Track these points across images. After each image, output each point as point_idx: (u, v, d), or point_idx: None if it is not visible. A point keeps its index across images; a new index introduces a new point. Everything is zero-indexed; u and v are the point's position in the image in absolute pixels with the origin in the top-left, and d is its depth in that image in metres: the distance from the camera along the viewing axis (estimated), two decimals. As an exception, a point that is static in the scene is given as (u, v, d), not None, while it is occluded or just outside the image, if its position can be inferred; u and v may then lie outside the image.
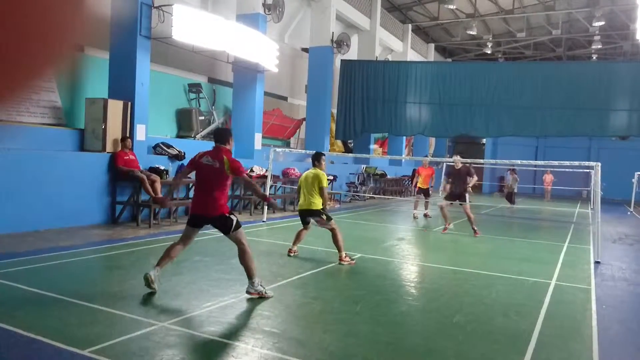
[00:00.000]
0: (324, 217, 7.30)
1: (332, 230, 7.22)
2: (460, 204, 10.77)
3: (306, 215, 7.47)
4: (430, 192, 14.56)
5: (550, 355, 4.00)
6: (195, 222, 5.19)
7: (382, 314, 4.87)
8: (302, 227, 7.63)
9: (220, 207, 5.02)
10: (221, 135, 5.21)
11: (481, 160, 17.51)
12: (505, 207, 18.92)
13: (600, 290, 6.33)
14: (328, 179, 16.39)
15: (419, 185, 14.43)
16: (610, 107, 16.22)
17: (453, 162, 11.34)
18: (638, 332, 4.91)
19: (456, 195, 10.87)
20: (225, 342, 3.87)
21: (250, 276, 5.06)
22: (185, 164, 11.11)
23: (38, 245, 7.16)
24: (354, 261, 7.19)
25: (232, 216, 5.08)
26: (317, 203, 7.29)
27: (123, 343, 3.74)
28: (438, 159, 19.19)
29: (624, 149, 28.01)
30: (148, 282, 5.02)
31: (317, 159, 7.53)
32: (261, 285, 5.08)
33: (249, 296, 5.10)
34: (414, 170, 23.43)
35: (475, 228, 10.59)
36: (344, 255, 7.14)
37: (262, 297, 5.09)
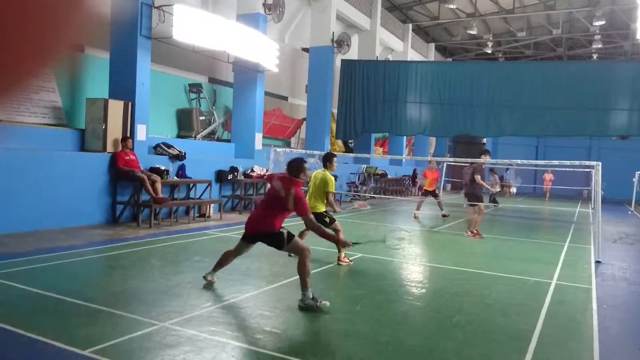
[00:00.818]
0: (327, 219, 7.21)
1: (336, 231, 7.17)
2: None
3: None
4: (437, 192, 14.59)
5: (550, 355, 4.00)
6: (248, 237, 5.29)
7: (383, 313, 4.87)
8: (304, 228, 7.59)
9: (270, 224, 5.05)
10: (293, 169, 5.16)
11: (481, 160, 17.50)
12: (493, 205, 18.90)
13: (601, 290, 6.32)
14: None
15: (425, 187, 14.42)
16: (610, 107, 16.21)
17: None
18: (639, 332, 4.91)
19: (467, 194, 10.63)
20: (225, 342, 3.87)
21: (303, 287, 4.88)
22: (185, 164, 11.21)
23: (39, 245, 7.16)
24: (352, 262, 7.18)
25: (282, 230, 5.06)
26: (320, 206, 7.20)
27: (124, 343, 3.74)
28: (438, 159, 19.17)
29: (624, 149, 28.00)
30: (207, 281, 5.45)
31: (327, 159, 7.41)
32: (312, 299, 4.83)
33: (248, 295, 5.09)
34: (415, 170, 23.50)
35: (473, 230, 10.46)
36: (342, 255, 7.13)
37: (260, 297, 5.08)
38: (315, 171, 7.57)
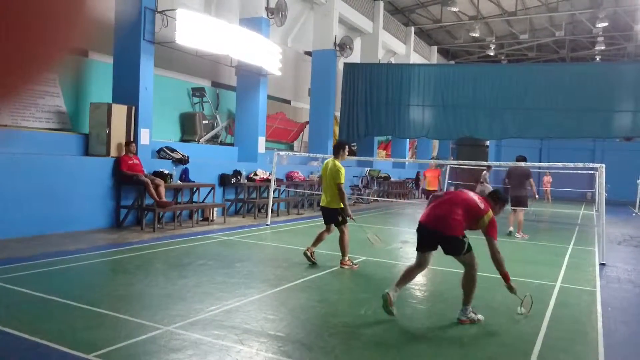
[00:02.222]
0: (340, 218, 6.92)
1: (342, 232, 6.99)
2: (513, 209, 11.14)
3: (325, 213, 7.07)
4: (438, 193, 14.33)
5: (555, 358, 3.98)
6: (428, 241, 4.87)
7: (387, 317, 4.86)
8: (323, 230, 7.17)
9: (455, 228, 4.72)
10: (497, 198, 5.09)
11: (485, 163, 17.48)
12: None
13: (605, 292, 6.30)
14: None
15: (426, 187, 14.26)
16: (614, 109, 16.18)
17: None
18: (644, 335, 4.89)
19: (513, 199, 11.08)
20: (229, 345, 3.87)
21: (465, 302, 4.78)
22: (188, 167, 11.21)
23: (43, 249, 7.19)
24: (356, 265, 7.09)
25: (464, 237, 4.77)
26: (336, 202, 6.87)
27: (128, 347, 3.75)
28: (442, 162, 19.17)
29: (628, 150, 27.90)
30: (386, 303, 4.69)
31: (340, 147, 7.05)
32: (473, 313, 4.76)
33: (252, 298, 5.09)
34: (418, 173, 23.44)
35: (521, 232, 11.17)
36: (346, 259, 7.02)
37: (264, 300, 5.08)
38: (327, 160, 7.26)
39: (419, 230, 4.90)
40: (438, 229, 4.74)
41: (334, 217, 6.98)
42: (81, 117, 10.82)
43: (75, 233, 8.64)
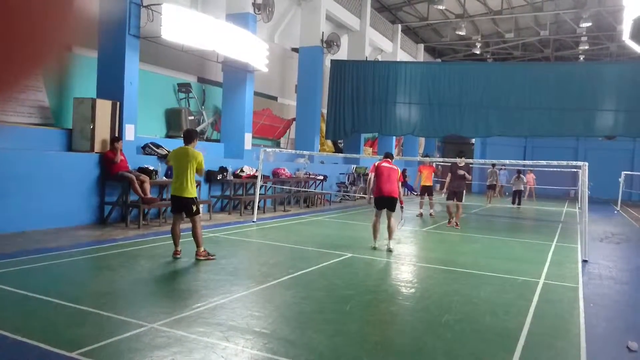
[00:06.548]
0: (194, 207, 6.74)
1: (195, 222, 6.78)
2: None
3: (181, 202, 6.81)
4: (433, 190, 14.86)
5: (538, 354, 4.03)
6: (384, 203, 8.27)
7: (372, 313, 4.89)
8: (175, 220, 6.92)
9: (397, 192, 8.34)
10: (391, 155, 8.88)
11: (470, 160, 17.63)
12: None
13: (587, 288, 6.39)
14: (318, 179, 16.40)
15: (422, 183, 14.57)
16: (597, 108, 16.39)
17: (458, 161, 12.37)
18: (625, 330, 4.97)
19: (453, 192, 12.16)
20: (215, 342, 3.86)
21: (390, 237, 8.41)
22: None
23: (25, 246, 7.08)
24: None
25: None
26: (193, 190, 6.79)
27: (112, 345, 3.71)
28: (427, 159, 19.26)
29: (610, 149, 28.30)
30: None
31: (195, 135, 6.98)
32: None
33: (237, 295, 5.08)
34: (404, 170, 23.55)
35: (457, 221, 11.98)
36: (202, 250, 6.80)
37: (249, 297, 5.06)
38: (176, 149, 7.02)
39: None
40: (391, 196, 8.27)
41: (189, 206, 6.80)
42: (64, 112, 10.67)
43: (59, 230, 8.53)
